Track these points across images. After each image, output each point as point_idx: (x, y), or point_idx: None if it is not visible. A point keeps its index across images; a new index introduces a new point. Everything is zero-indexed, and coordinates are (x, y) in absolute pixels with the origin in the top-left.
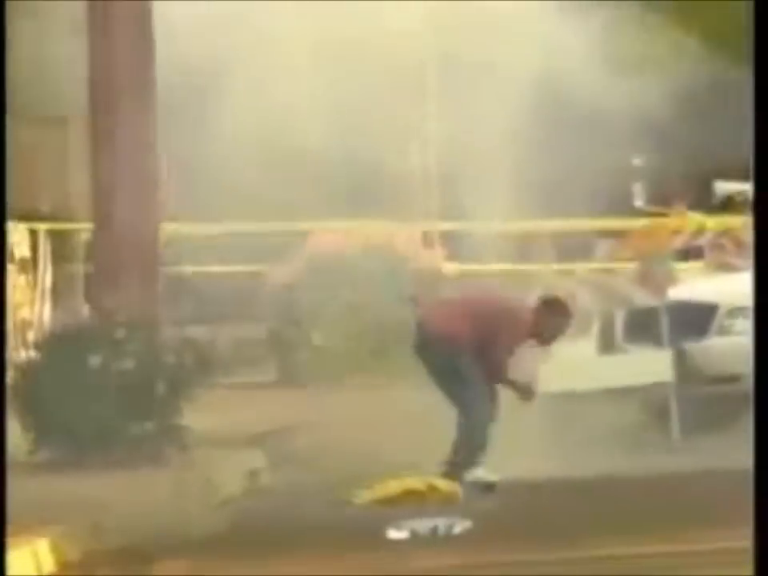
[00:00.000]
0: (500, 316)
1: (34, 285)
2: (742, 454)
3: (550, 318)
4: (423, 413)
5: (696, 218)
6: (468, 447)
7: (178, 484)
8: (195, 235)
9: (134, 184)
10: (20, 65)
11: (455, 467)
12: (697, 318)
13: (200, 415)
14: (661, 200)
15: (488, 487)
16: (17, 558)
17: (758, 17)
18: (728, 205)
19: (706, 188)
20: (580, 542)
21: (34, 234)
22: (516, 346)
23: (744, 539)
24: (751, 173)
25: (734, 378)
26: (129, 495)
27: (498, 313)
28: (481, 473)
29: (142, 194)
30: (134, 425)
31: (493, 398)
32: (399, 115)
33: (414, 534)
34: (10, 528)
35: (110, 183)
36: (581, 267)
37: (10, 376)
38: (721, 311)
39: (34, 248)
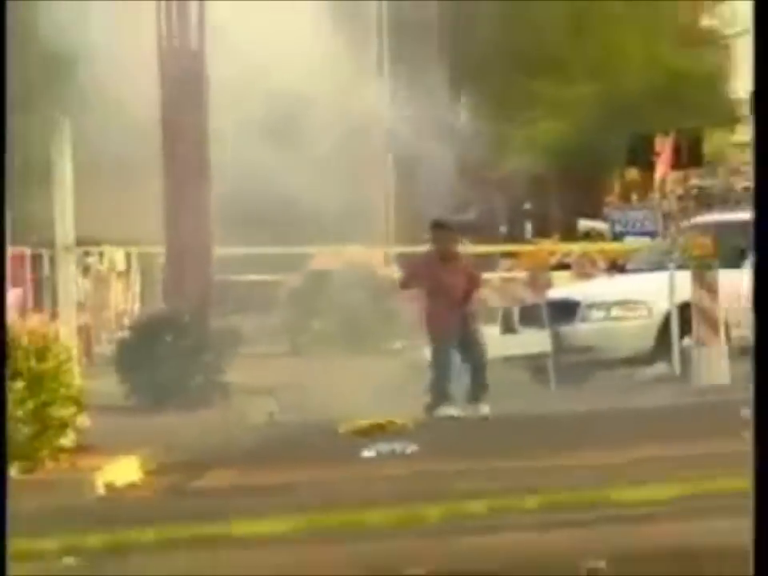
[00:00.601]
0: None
1: (127, 288)
2: (595, 401)
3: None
4: (389, 375)
5: (565, 245)
6: (439, 393)
7: (222, 419)
8: (236, 254)
9: (193, 218)
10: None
11: (429, 407)
12: (566, 310)
13: (236, 374)
14: (543, 233)
15: (455, 419)
16: (117, 470)
17: (758, 17)
18: (587, 235)
19: (573, 225)
20: (490, 457)
21: (128, 254)
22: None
23: (598, 458)
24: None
25: (590, 349)
26: (189, 427)
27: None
28: (452, 411)
29: (199, 225)
30: (193, 380)
31: (453, 359)
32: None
33: (379, 453)
34: (110, 451)
35: (176, 217)
36: (491, 276)
37: (112, 349)
38: (582, 305)
39: (128, 264)
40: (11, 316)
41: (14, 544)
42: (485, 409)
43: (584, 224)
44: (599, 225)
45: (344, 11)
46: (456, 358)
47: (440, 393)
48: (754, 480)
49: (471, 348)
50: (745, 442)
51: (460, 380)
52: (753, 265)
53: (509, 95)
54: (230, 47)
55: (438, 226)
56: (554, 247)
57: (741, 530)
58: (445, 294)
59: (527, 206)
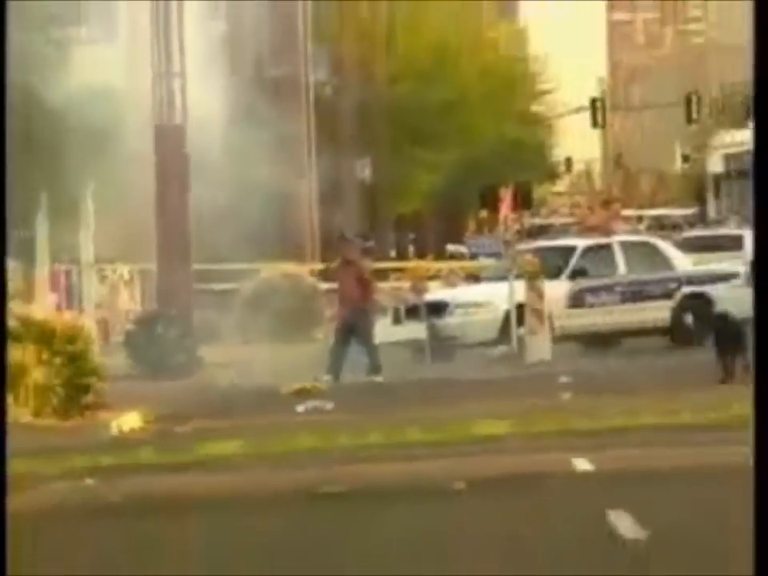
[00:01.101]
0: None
1: (131, 294)
2: (459, 372)
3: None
4: (314, 356)
5: (437, 263)
6: (372, 365)
7: (198, 384)
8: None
9: (177, 243)
10: None
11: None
12: (438, 308)
13: (208, 353)
14: (421, 254)
15: (379, 385)
16: (125, 419)
17: (758, 17)
18: (452, 256)
19: (442, 248)
20: (383, 409)
21: (132, 269)
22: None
23: (460, 408)
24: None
25: (455, 338)
26: (176, 390)
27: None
28: (379, 378)
29: (182, 248)
30: (178, 357)
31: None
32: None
33: (307, 408)
34: (120, 407)
35: (165, 243)
36: (385, 284)
37: (121, 336)
38: (450, 305)
39: (132, 276)
40: (50, 313)
41: (53, 468)
42: (379, 378)
43: (450, 248)
44: (461, 248)
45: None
46: (353, 341)
47: (329, 368)
48: (755, 480)
49: (364, 335)
50: (561, 400)
51: (360, 358)
52: (753, 264)
53: (398, 158)
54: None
55: (341, 239)
56: (429, 264)
57: (553, 461)
58: (343, 293)
59: (411, 235)
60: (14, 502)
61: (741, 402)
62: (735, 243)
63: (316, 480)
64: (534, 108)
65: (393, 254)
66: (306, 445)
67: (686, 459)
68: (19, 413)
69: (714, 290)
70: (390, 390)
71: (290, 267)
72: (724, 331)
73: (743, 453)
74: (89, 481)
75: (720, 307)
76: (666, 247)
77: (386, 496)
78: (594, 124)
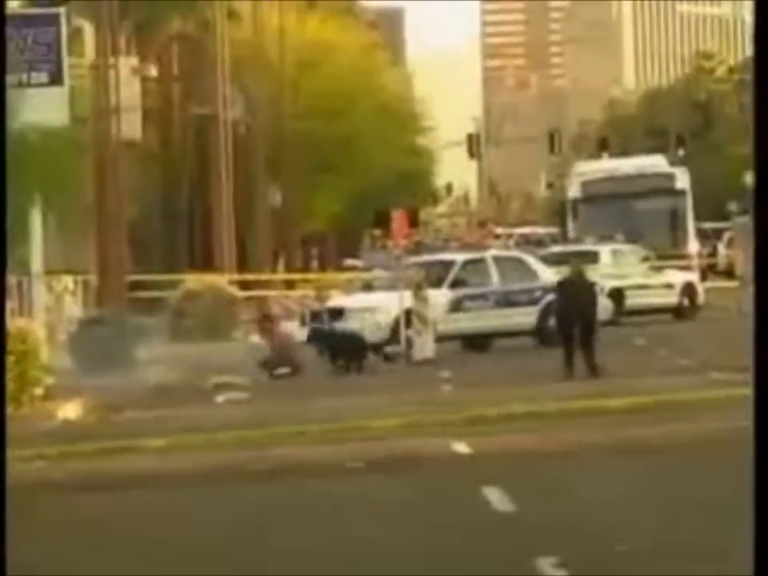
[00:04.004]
0: None
1: (74, 301)
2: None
3: None
4: (232, 353)
5: (336, 274)
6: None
7: (132, 379)
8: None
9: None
10: None
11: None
12: (337, 314)
13: (141, 352)
14: (324, 267)
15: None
16: (69, 409)
17: (758, 17)
18: (350, 268)
19: (341, 262)
20: (293, 398)
21: (75, 280)
22: None
23: (357, 399)
24: None
25: (363, 338)
26: (113, 384)
27: None
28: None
29: (117, 261)
30: (115, 356)
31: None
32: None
33: (226, 399)
34: (64, 398)
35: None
36: (294, 293)
37: (66, 337)
38: (346, 310)
39: (75, 285)
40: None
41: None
42: (285, 371)
43: (348, 262)
44: (357, 262)
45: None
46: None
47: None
48: (755, 481)
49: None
50: (442, 393)
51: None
52: (753, 265)
53: (304, 186)
54: None
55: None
56: (330, 276)
57: (441, 445)
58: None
59: (315, 251)
60: None
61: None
62: (592, 257)
63: (233, 465)
64: (420, 142)
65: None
66: (224, 433)
67: (546, 442)
68: None
69: None
70: (296, 381)
71: (212, 278)
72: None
73: (583, 437)
74: (39, 462)
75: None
76: (533, 261)
77: (293, 474)
78: (471, 155)
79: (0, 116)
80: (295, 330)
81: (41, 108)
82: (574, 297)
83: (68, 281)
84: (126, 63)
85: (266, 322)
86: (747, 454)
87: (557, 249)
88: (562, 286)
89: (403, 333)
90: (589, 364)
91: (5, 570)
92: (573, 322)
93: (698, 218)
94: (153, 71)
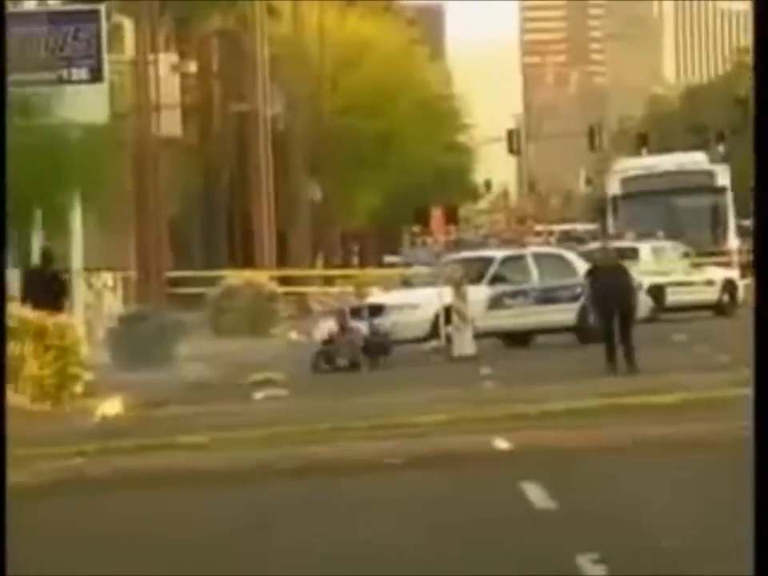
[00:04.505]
0: None
1: (114, 297)
2: (396, 364)
3: None
4: (271, 349)
5: (376, 271)
6: None
7: (172, 375)
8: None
9: (153, 253)
10: None
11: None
12: (377, 310)
13: (181, 348)
14: (364, 263)
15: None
16: (108, 406)
17: (758, 17)
18: (390, 265)
19: (381, 259)
20: (335, 396)
21: (114, 276)
22: None
23: (400, 396)
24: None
25: (390, 334)
26: (152, 380)
27: None
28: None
29: (157, 258)
30: (154, 352)
31: None
32: None
33: (265, 396)
34: (104, 395)
35: (144, 253)
36: (333, 289)
37: (106, 333)
38: (386, 307)
39: (115, 282)
40: (44, 314)
41: (44, 451)
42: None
43: (388, 258)
44: (397, 259)
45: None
46: None
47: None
48: (755, 477)
49: None
50: (483, 389)
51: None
52: (754, 265)
53: (344, 182)
54: None
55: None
56: (370, 272)
57: (481, 441)
58: None
59: (355, 247)
60: (13, 478)
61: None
62: (632, 254)
63: (271, 462)
64: (459, 138)
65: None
66: (263, 430)
67: (586, 438)
68: (20, 400)
69: None
70: (336, 378)
71: (251, 274)
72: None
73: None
74: (78, 459)
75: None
76: (573, 257)
77: (333, 471)
78: (510, 152)
79: (1, 114)
80: (362, 328)
81: (80, 105)
82: (610, 285)
83: (108, 277)
84: (166, 60)
85: (339, 316)
86: None
87: (596, 245)
88: (593, 274)
89: (443, 329)
90: (627, 358)
91: (5, 570)
92: (611, 312)
93: (739, 214)
94: (192, 68)
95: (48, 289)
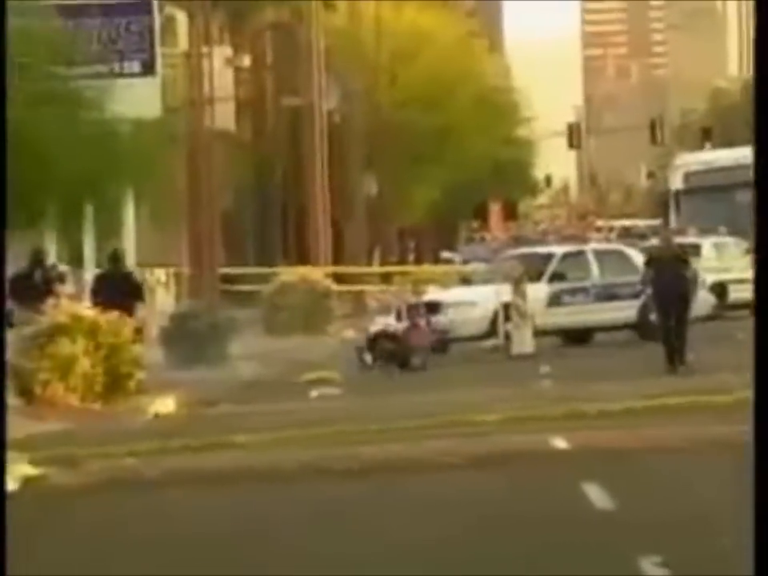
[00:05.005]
0: None
1: (167, 293)
2: (454, 362)
3: None
4: (326, 348)
5: (434, 267)
6: None
7: (226, 374)
8: (232, 272)
9: (206, 249)
10: None
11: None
12: (434, 308)
13: (234, 346)
14: (420, 260)
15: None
16: (162, 404)
17: (758, 17)
18: (447, 261)
19: (438, 255)
20: (391, 395)
21: (168, 272)
22: None
23: (461, 394)
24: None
25: (447, 332)
26: (206, 378)
27: None
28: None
29: (210, 254)
30: (207, 350)
31: None
32: None
33: (320, 394)
34: (157, 393)
35: (197, 251)
36: (391, 287)
37: (159, 330)
38: (443, 305)
39: (168, 278)
40: (96, 311)
41: (98, 451)
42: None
43: (445, 255)
44: (454, 255)
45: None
46: None
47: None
48: (754, 478)
49: None
50: (541, 388)
51: None
52: (754, 265)
53: (401, 176)
54: None
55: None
56: (427, 269)
57: (539, 440)
58: None
59: (411, 244)
60: (62, 478)
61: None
62: (694, 251)
63: (334, 460)
64: (519, 132)
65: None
66: (318, 429)
67: (646, 438)
68: (69, 398)
69: None
70: (395, 378)
71: (306, 271)
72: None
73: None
74: (130, 460)
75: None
76: (634, 254)
77: (390, 471)
78: (571, 146)
79: (1, 114)
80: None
81: (133, 99)
82: (668, 277)
83: (160, 273)
84: (220, 53)
85: (412, 311)
86: None
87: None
88: (652, 264)
89: (501, 327)
90: (678, 354)
91: (5, 570)
92: (668, 306)
93: None
94: (246, 61)
95: (121, 291)
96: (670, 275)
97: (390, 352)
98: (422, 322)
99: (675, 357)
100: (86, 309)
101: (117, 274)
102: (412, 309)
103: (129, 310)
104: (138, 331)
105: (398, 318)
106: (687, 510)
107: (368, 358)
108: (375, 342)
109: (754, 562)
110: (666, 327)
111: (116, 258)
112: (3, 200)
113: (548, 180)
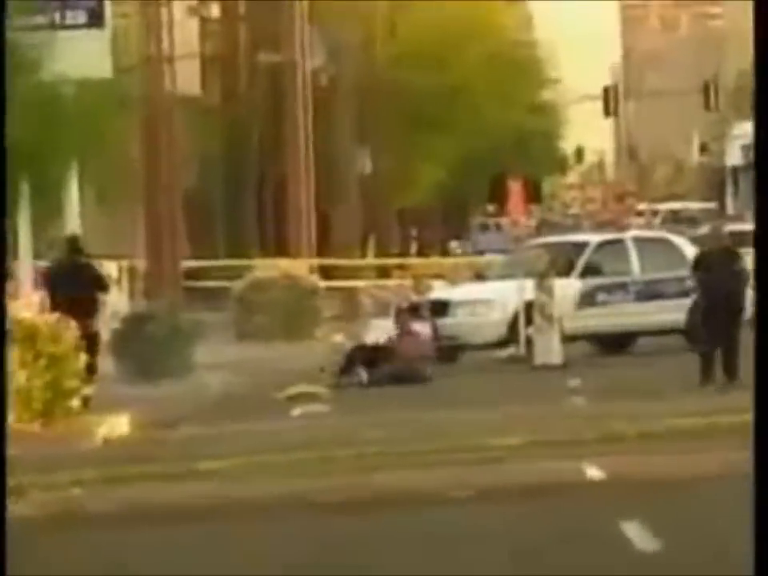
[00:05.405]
0: None
1: (119, 291)
2: (461, 374)
3: None
4: (312, 356)
5: (441, 259)
6: None
7: (189, 388)
8: (197, 266)
9: (167, 238)
10: None
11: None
12: (441, 308)
13: (200, 354)
14: (424, 251)
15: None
16: (112, 425)
17: (758, 17)
18: (458, 252)
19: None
20: (389, 413)
21: (120, 266)
22: None
23: (469, 414)
24: None
25: (456, 338)
26: (165, 395)
27: None
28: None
29: (171, 244)
30: (167, 359)
31: None
32: None
33: (305, 413)
34: (107, 411)
35: (155, 240)
36: (389, 283)
37: (110, 336)
38: (452, 305)
39: (120, 273)
40: (34, 313)
41: (35, 481)
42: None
43: (455, 244)
44: (465, 245)
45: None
46: None
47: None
48: (755, 480)
49: None
50: (571, 405)
51: None
52: (754, 265)
53: (400, 148)
54: None
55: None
56: (433, 261)
57: (570, 469)
58: None
59: (414, 230)
60: None
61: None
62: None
63: (313, 491)
64: (543, 96)
65: (395, 249)
66: (301, 453)
67: (696, 466)
68: None
69: None
70: (390, 393)
71: (287, 264)
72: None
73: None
74: (75, 491)
75: None
76: (683, 243)
77: (388, 506)
78: (607, 113)
79: (1, 113)
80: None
81: (77, 55)
82: (716, 277)
83: (111, 267)
84: (182, 1)
85: (398, 315)
86: None
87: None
88: (700, 264)
89: (523, 332)
90: (727, 365)
91: (5, 570)
92: (717, 311)
93: None
94: (214, 10)
95: (80, 284)
96: (719, 271)
97: (376, 364)
98: (421, 327)
99: (715, 367)
100: (23, 309)
101: (74, 265)
102: (405, 312)
103: (94, 305)
104: (93, 338)
105: (397, 321)
106: (742, 552)
107: (363, 375)
108: (354, 358)
109: (754, 562)
110: (709, 333)
111: (74, 246)
112: (3, 200)
113: (579, 154)
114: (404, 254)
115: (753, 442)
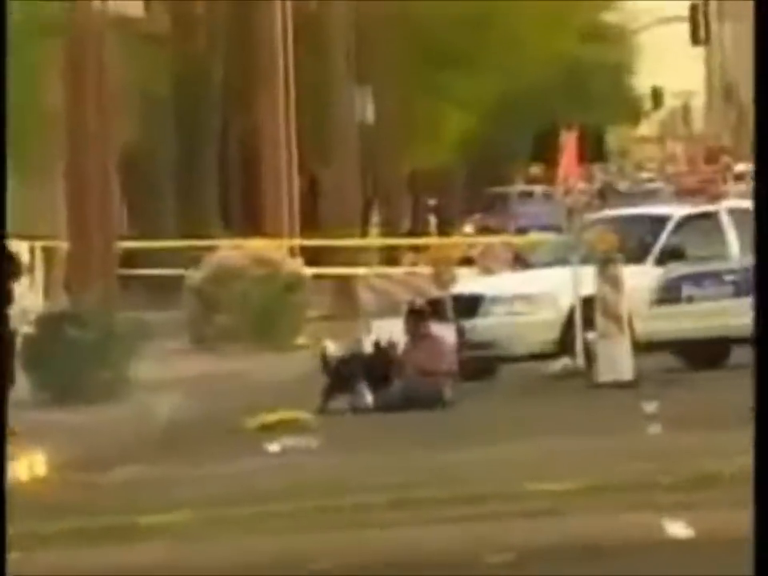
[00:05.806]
0: None
1: (31, 282)
2: (498, 395)
3: None
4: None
5: (469, 238)
6: None
7: (127, 414)
8: (139, 248)
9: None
10: None
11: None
12: (470, 306)
13: (141, 368)
14: (447, 227)
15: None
16: (23, 465)
17: (758, 17)
18: (488, 229)
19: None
20: (393, 451)
21: (32, 248)
22: None
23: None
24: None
25: (490, 346)
26: (94, 422)
27: None
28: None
29: (102, 221)
30: (97, 375)
31: None
32: None
33: (284, 448)
34: (15, 447)
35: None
36: (396, 270)
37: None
38: (486, 300)
39: (32, 258)
40: None
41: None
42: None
43: (486, 219)
44: (503, 219)
45: None
46: None
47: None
48: (754, 480)
49: None
50: (646, 437)
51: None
52: (754, 265)
53: (414, 90)
54: None
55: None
56: (458, 241)
57: (645, 524)
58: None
59: (432, 200)
60: None
61: None
62: None
63: (298, 552)
64: (605, 18)
65: (407, 226)
66: (281, 504)
67: None
68: None
69: None
70: (398, 421)
71: (260, 245)
72: None
73: None
74: None
75: None
76: None
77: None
78: (695, 40)
79: (1, 113)
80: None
81: None
82: None
83: (21, 248)
84: None
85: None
86: None
87: None
88: None
89: (580, 337)
90: None
91: (4, 570)
92: None
93: None
94: None
95: None
96: None
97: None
98: (441, 332)
99: None
100: None
101: None
102: (420, 311)
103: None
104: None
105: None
106: None
107: (366, 396)
108: (351, 373)
109: (754, 562)
110: None
111: None
112: (3, 200)
113: (657, 96)
114: (418, 231)
115: (753, 442)
